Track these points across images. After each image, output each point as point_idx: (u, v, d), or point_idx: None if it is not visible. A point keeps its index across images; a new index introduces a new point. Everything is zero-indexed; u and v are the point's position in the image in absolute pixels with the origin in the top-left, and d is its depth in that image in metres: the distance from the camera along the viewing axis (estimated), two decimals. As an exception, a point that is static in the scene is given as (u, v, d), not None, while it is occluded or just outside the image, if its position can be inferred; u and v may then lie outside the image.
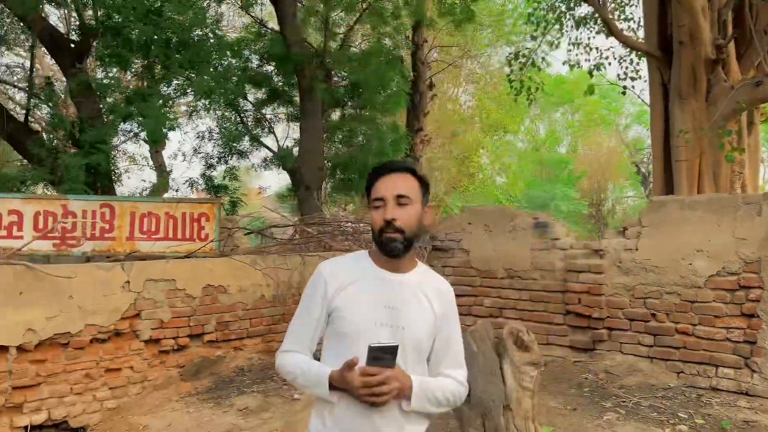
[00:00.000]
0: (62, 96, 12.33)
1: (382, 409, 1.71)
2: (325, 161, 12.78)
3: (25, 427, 4.90)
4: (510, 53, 11.22)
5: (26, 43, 13.06)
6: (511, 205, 22.89)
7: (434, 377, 1.87)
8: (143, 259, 5.97)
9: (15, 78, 15.13)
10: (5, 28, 11.22)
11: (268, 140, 14.85)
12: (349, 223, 7.95)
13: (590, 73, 10.08)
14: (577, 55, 10.67)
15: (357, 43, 14.87)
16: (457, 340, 1.93)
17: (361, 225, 7.91)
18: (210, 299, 6.03)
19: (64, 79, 12.46)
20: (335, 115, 14.25)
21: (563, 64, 12.05)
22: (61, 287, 5.13)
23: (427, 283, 1.88)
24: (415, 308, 1.82)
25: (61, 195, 7.85)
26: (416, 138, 15.41)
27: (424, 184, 1.88)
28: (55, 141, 11.58)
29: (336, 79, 13.15)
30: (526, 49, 10.89)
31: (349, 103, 13.36)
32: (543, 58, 11.13)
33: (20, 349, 4.90)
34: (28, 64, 13.95)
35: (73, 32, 12.29)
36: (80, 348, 5.20)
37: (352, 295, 1.82)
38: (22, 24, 11.31)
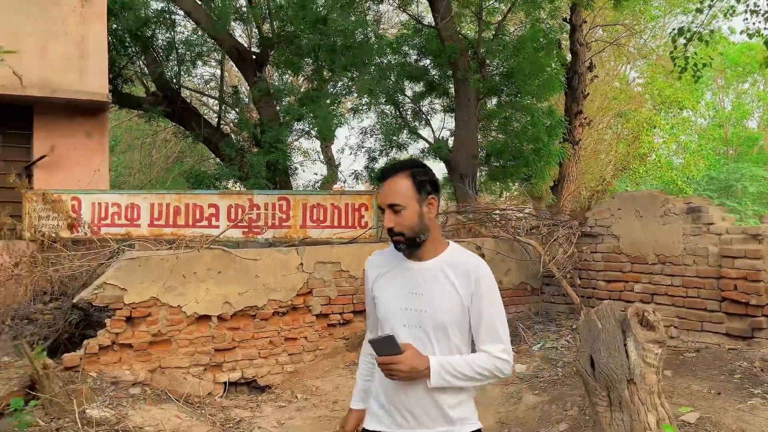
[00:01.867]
0: (246, 102, 14.03)
1: (410, 383, 1.97)
2: (480, 150, 13.09)
3: (224, 383, 5.98)
4: (673, 30, 10.62)
5: (216, 58, 15.01)
6: (687, 188, 21.29)
7: (476, 353, 2.02)
8: (314, 245, 6.85)
9: (208, 88, 17.44)
10: (201, 46, 12.99)
11: (425, 132, 15.50)
12: (497, 211, 8.24)
13: (767, 43, 9.24)
14: (755, 24, 9.79)
15: (512, 31, 14.89)
16: (490, 315, 2.00)
17: (508, 212, 8.16)
18: (370, 280, 6.74)
19: (247, 86, 14.13)
20: (490, 103, 14.46)
21: (740, 33, 11.09)
22: (249, 268, 6.14)
23: (452, 265, 2.02)
24: (436, 292, 1.99)
25: (248, 191, 9.11)
26: (575, 121, 15.09)
27: (419, 180, 2.00)
28: (242, 142, 13.25)
29: (490, 68, 13.36)
30: (692, 23, 10.23)
31: (504, 91, 13.49)
32: (711, 32, 10.35)
33: (220, 318, 5.98)
34: (218, 74, 16.04)
35: (254, 45, 13.84)
36: (265, 319, 6.19)
37: (384, 283, 2.10)
38: (213, 41, 13.05)
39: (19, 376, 4.92)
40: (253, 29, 13.54)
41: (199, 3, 12.30)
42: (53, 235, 7.11)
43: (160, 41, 13.06)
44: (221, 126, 14.37)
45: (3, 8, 7.59)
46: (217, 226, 7.22)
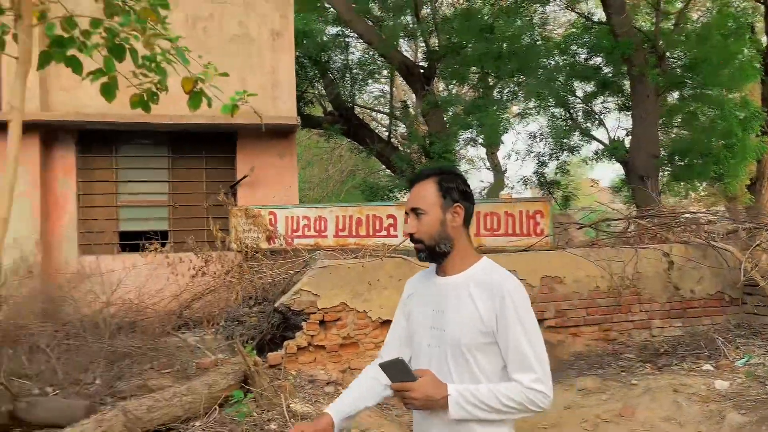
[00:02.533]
0: (415, 115, 14.53)
1: (434, 413, 1.80)
2: (661, 148, 12.23)
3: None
4: None
5: (386, 75, 15.73)
6: None
7: (508, 382, 1.79)
8: (488, 253, 6.94)
9: (377, 104, 18.32)
10: (373, 65, 13.73)
11: (599, 132, 14.82)
12: (686, 214, 7.66)
13: None
14: None
15: (695, 19, 13.73)
16: (517, 339, 1.76)
17: (699, 215, 7.55)
18: (547, 288, 6.66)
19: (416, 100, 14.63)
20: (671, 98, 13.45)
21: None
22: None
23: (477, 281, 1.83)
24: (457, 310, 1.83)
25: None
26: (775, 111, 13.47)
27: (446, 187, 1.88)
28: (412, 154, 13.75)
29: (670, 60, 12.45)
30: None
31: (687, 84, 12.48)
32: None
33: (402, 323, 6.28)
34: (388, 90, 16.80)
35: (422, 59, 14.30)
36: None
37: (417, 300, 1.98)
38: (383, 59, 13.73)
39: (234, 372, 5.60)
40: (421, 44, 13.99)
41: (371, 24, 13.02)
42: (254, 246, 7.97)
43: (335, 64, 14.03)
44: (391, 140, 15.02)
45: (214, 50, 8.74)
46: (396, 236, 7.59)
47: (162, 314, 7.34)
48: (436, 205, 1.86)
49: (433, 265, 1.96)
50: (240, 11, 8.93)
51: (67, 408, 4.86)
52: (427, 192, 1.87)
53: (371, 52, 14.17)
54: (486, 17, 12.45)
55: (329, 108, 15.01)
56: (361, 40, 13.91)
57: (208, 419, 5.06)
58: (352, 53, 14.79)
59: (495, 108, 13.03)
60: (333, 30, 14.39)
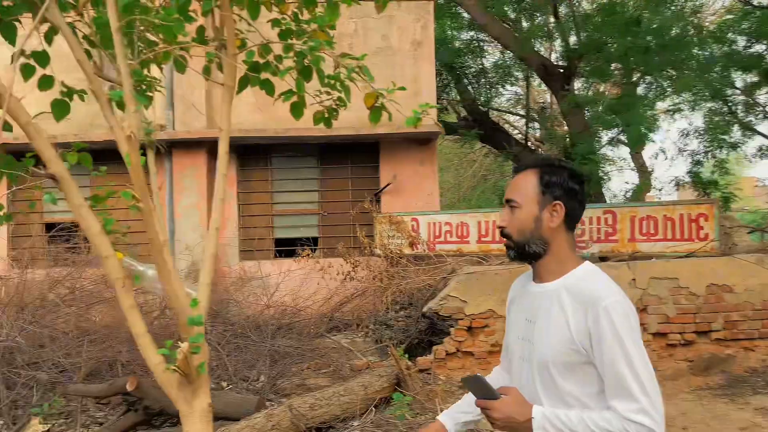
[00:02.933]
0: (554, 116, 14.12)
1: None
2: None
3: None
4: None
5: (522, 77, 15.45)
6: None
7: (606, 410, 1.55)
8: (645, 259, 6.55)
9: (511, 107, 18.03)
10: (509, 68, 13.55)
11: (763, 126, 13.48)
12: None
13: None
14: None
15: None
16: (614, 362, 1.50)
17: None
18: (714, 298, 6.16)
19: (554, 101, 14.21)
20: None
21: None
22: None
23: (572, 291, 1.61)
24: (546, 321, 1.63)
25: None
26: None
27: (547, 181, 1.66)
28: (551, 156, 13.36)
29: None
30: None
31: None
32: None
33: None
34: (522, 93, 16.48)
35: (560, 59, 13.88)
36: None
37: (513, 308, 1.83)
38: (519, 61, 13.50)
39: (388, 374, 5.77)
40: (559, 43, 13.58)
41: (506, 26, 12.86)
42: (398, 251, 8.17)
43: (470, 69, 14.01)
44: (528, 142, 14.70)
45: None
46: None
47: (315, 317, 7.75)
48: (533, 200, 1.65)
49: (530, 271, 1.77)
50: (382, 24, 9.22)
51: (241, 402, 5.28)
52: (526, 184, 1.68)
53: (507, 55, 13.99)
54: (631, 10, 11.80)
55: (463, 113, 15.02)
56: (495, 44, 13.79)
57: (365, 420, 5.25)
58: (487, 57, 14.70)
59: (642, 105, 12.29)
60: (466, 35, 14.41)
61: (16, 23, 2.71)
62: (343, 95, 2.54)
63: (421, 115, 2.21)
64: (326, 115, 2.68)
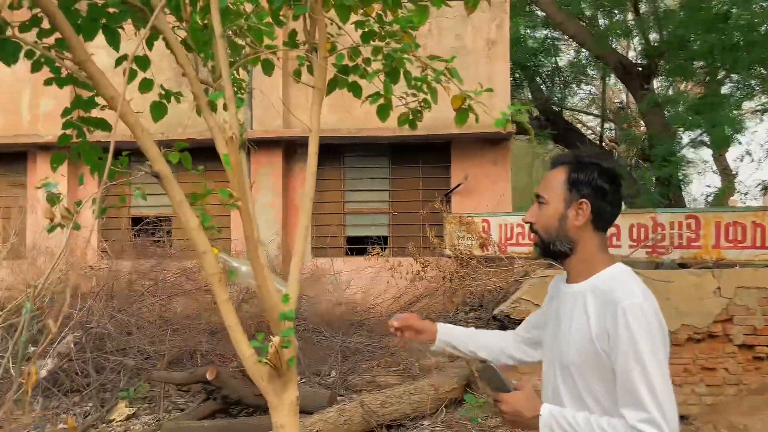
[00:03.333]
0: (632, 116, 13.64)
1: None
2: None
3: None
4: None
5: (599, 76, 15.01)
6: None
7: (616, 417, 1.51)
8: (730, 266, 6.24)
9: (586, 106, 17.53)
10: (585, 67, 13.20)
11: None
12: None
13: None
14: None
15: None
16: (627, 368, 1.46)
17: None
18: (811, 311, 5.80)
19: (633, 100, 13.74)
20: None
21: None
22: (659, 290, 5.94)
23: (596, 292, 1.57)
24: (568, 322, 1.62)
25: (650, 209, 8.85)
26: None
27: (574, 178, 1.62)
28: (628, 157, 12.91)
29: None
30: None
31: None
32: None
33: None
34: (598, 92, 16.00)
35: (640, 57, 13.40)
36: (678, 345, 5.89)
37: (550, 308, 1.79)
38: (596, 60, 13.13)
39: (458, 375, 5.76)
40: (639, 41, 13.11)
41: (583, 24, 12.53)
42: (468, 252, 8.12)
43: (544, 68, 13.75)
44: (604, 143, 14.27)
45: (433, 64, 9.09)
46: (619, 246, 7.19)
47: (385, 314, 7.82)
48: (560, 197, 1.62)
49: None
50: (456, 24, 9.18)
51: (314, 396, 5.41)
52: (556, 180, 1.65)
53: (583, 53, 13.63)
54: (718, 6, 11.24)
55: (536, 113, 14.76)
56: (571, 42, 13.46)
57: (436, 419, 5.27)
58: (562, 55, 14.37)
59: (727, 105, 11.70)
60: (541, 33, 14.14)
61: (119, 29, 2.89)
62: (429, 97, 2.56)
63: (510, 117, 2.19)
64: (411, 117, 2.70)
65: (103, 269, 7.44)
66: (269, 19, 2.90)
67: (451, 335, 2.02)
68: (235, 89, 3.12)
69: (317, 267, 8.99)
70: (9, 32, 2.62)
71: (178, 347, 6.02)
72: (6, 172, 9.95)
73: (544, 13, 12.78)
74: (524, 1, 12.65)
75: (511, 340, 1.97)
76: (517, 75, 13.69)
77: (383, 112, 2.59)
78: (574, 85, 13.97)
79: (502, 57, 9.19)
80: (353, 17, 2.80)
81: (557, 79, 14.05)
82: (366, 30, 2.91)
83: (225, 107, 2.17)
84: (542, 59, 13.82)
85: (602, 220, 1.63)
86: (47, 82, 2.86)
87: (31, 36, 2.57)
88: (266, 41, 2.99)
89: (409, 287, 8.09)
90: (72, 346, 6.17)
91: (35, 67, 2.73)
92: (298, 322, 7.07)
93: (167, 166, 2.24)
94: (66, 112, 2.93)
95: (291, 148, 9.50)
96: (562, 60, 14.30)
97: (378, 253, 8.47)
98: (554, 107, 14.25)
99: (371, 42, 2.90)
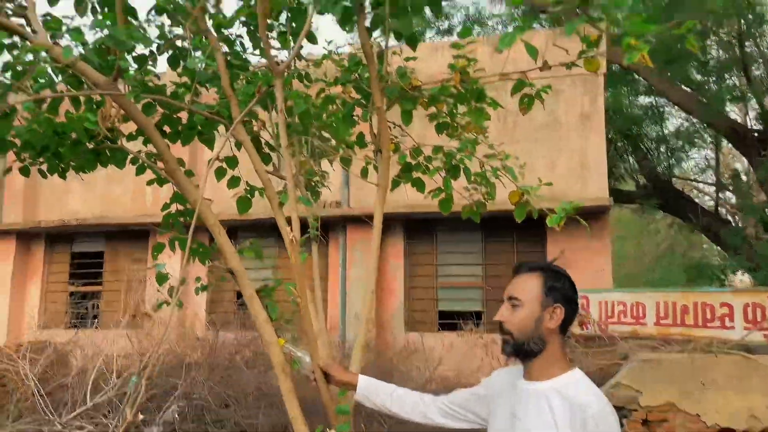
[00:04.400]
0: (750, 184, 12.75)
1: None
2: None
3: None
4: None
5: (710, 142, 14.28)
6: None
7: None
8: None
9: (699, 173, 16.62)
10: (693, 134, 12.64)
11: None
12: None
13: None
14: None
15: None
16: None
17: None
18: None
19: (750, 167, 12.89)
20: None
21: None
22: (779, 379, 5.40)
23: (562, 395, 1.66)
24: (533, 420, 1.68)
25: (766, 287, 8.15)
26: None
27: (550, 285, 1.74)
28: (747, 228, 12.00)
29: None
30: None
31: None
32: None
33: (746, 433, 5.38)
34: (712, 159, 15.17)
35: (754, 122, 12.66)
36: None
37: (498, 401, 1.85)
38: (705, 126, 12.54)
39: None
40: (752, 106, 12.42)
41: (689, 90, 12.11)
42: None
43: (649, 135, 13.31)
44: (720, 212, 13.39)
45: (522, 139, 9.17)
46: (732, 327, 6.64)
47: (477, 394, 7.60)
48: (536, 300, 1.74)
49: (521, 366, 1.82)
50: (548, 99, 9.17)
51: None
52: (530, 284, 1.77)
53: (691, 120, 13.09)
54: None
55: (642, 181, 14.19)
56: (677, 109, 12.99)
57: None
58: (668, 123, 13.87)
59: None
60: (644, 100, 13.78)
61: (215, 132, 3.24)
62: (489, 190, 2.63)
63: (564, 214, 2.21)
64: (474, 209, 2.78)
65: (209, 341, 7.88)
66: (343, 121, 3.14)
67: (372, 387, 2.15)
68: (314, 184, 3.36)
69: (408, 342, 8.98)
70: (120, 142, 3.02)
71: (271, 423, 6.19)
72: (131, 248, 10.99)
73: (646, 82, 12.50)
74: (624, 70, 12.47)
75: (429, 403, 2.09)
76: (620, 143, 13.34)
77: (445, 205, 2.69)
78: (682, 153, 13.34)
79: (597, 130, 9.05)
80: (425, 110, 2.98)
81: (664, 146, 13.52)
82: (439, 121, 3.07)
83: (293, 214, 2.37)
84: (646, 127, 13.42)
85: (567, 324, 1.76)
86: (149, 183, 3.25)
87: (137, 144, 2.97)
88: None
89: (505, 365, 7.86)
90: (176, 416, 6.54)
91: (139, 171, 3.11)
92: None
93: (240, 264, 2.45)
94: (165, 206, 3.29)
95: (384, 224, 9.70)
96: (669, 126, 13.80)
97: (471, 329, 8.34)
98: (662, 175, 13.66)
99: (444, 132, 3.06)
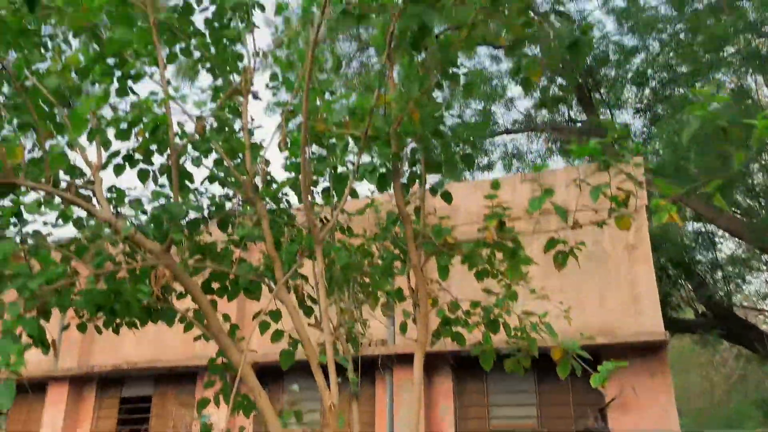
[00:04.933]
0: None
1: None
2: None
3: None
4: None
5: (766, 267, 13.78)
6: None
7: None
8: None
9: (763, 298, 15.85)
10: (749, 260, 12.27)
11: None
12: None
13: None
14: None
15: None
16: None
17: None
18: None
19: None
20: None
21: None
22: None
23: None
24: None
25: None
26: None
27: None
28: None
29: None
30: None
31: None
32: None
33: None
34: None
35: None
36: None
37: None
38: (760, 251, 12.17)
39: None
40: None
41: (738, 216, 11.92)
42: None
43: (702, 262, 12.97)
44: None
45: (570, 272, 9.07)
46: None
47: None
48: None
49: None
50: (593, 231, 9.17)
51: None
52: None
53: (744, 245, 12.76)
54: None
55: (701, 309, 13.60)
56: (728, 235, 12.72)
57: None
58: (721, 248, 13.54)
59: None
60: (693, 227, 13.59)
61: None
62: (530, 344, 2.60)
63: (607, 374, 2.15)
64: (519, 364, 2.73)
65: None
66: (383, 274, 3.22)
67: None
68: (356, 333, 3.39)
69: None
70: (171, 299, 3.16)
71: None
72: (178, 392, 10.96)
73: (692, 210, 12.40)
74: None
75: None
76: (672, 271, 12.99)
77: (486, 360, 2.65)
78: (739, 278, 12.86)
79: (645, 260, 8.89)
80: (458, 272, 3.03)
81: (719, 272, 13.10)
82: (479, 269, 3.12)
83: (332, 378, 2.39)
84: (698, 254, 13.11)
85: None
86: (196, 339, 3.34)
87: (186, 301, 3.10)
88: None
89: None
90: None
91: (187, 328, 3.22)
92: None
93: (281, 430, 2.44)
94: (211, 360, 3.36)
95: (432, 363, 9.50)
96: (722, 251, 13.45)
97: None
98: (722, 303, 13.09)
99: (485, 278, 3.09)
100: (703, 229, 13.17)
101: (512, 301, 2.56)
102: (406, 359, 9.19)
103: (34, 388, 11.67)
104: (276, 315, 3.40)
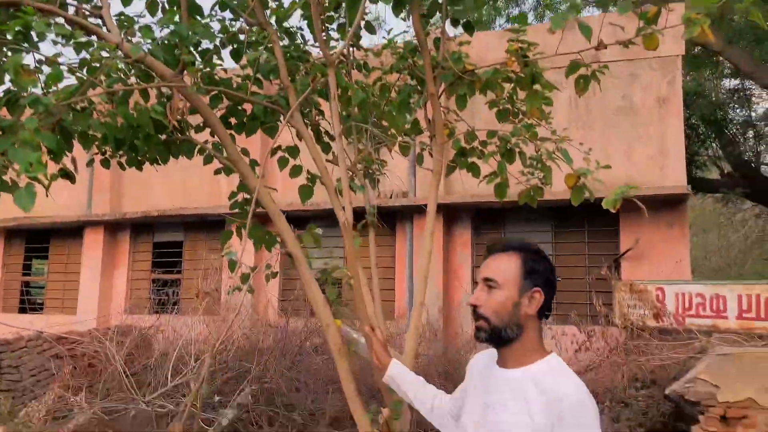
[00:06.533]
0: None
1: None
2: None
3: None
4: None
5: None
6: None
7: None
8: None
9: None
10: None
11: None
12: None
13: None
14: None
15: None
16: None
17: None
18: None
19: None
20: None
21: None
22: None
23: (538, 383, 1.54)
24: (507, 409, 1.57)
25: None
26: None
27: (530, 267, 1.62)
28: None
29: None
30: None
31: None
32: None
33: (838, 435, 5.04)
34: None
35: None
36: None
37: (470, 389, 1.76)
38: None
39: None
40: None
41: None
42: (640, 323, 7.53)
43: (734, 121, 12.58)
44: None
45: (596, 125, 8.91)
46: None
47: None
48: (514, 284, 1.62)
49: (495, 351, 1.71)
50: (623, 83, 8.87)
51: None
52: (508, 266, 1.64)
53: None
54: None
55: (727, 169, 13.43)
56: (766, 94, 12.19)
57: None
58: (756, 107, 13.05)
59: None
60: (729, 83, 13.02)
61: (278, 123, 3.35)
62: (545, 174, 2.59)
63: (621, 197, 2.15)
64: (531, 194, 2.75)
65: (280, 327, 8.14)
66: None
67: (399, 377, 2.09)
68: (371, 171, 3.41)
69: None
70: (189, 133, 3.17)
71: (338, 406, 6.34)
72: (208, 238, 11.50)
73: (731, 64, 11.79)
74: (707, 52, 11.81)
75: (446, 412, 1.96)
76: (702, 129, 12.67)
77: (500, 190, 2.67)
78: (772, 138, 12.53)
79: (676, 114, 8.62)
80: (476, 102, 2.96)
81: (752, 131, 12.74)
82: (500, 108, 3.05)
83: (345, 198, 2.43)
84: (731, 111, 12.67)
85: (546, 310, 1.65)
86: (216, 172, 3.40)
87: (205, 135, 3.11)
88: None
89: (572, 359, 7.68)
90: (249, 398, 6.81)
91: (206, 161, 3.27)
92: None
93: (299, 249, 2.54)
94: (232, 195, 3.44)
95: (452, 214, 9.71)
96: (757, 110, 12.97)
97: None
98: (751, 162, 12.88)
99: (507, 119, 3.04)
100: (741, 86, 12.63)
101: (532, 140, 2.51)
102: (424, 210, 9.38)
103: (72, 233, 12.34)
104: (294, 151, 3.41)
